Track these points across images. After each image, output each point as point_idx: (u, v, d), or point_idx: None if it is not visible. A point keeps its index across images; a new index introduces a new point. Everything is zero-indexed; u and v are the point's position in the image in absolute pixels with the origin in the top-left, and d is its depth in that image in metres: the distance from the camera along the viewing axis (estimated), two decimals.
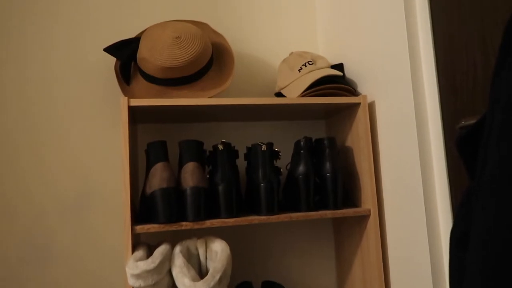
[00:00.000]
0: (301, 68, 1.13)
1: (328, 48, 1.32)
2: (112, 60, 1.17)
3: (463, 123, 0.77)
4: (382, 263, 1.02)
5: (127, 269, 0.86)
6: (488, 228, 0.40)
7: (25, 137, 1.14)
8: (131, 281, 0.86)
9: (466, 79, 0.80)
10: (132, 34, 1.19)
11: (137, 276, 0.85)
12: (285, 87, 1.15)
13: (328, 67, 1.15)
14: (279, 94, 1.19)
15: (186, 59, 1.02)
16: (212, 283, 0.84)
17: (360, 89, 1.13)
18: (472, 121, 0.74)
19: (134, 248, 0.92)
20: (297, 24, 1.37)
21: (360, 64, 1.12)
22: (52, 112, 1.16)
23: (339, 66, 1.19)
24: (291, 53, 1.21)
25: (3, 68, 1.15)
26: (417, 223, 0.90)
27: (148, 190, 0.95)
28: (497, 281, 0.37)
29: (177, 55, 1.02)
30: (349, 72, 1.19)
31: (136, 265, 0.85)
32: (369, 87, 1.09)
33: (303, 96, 1.07)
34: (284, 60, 1.21)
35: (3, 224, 1.10)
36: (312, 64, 1.12)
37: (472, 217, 0.54)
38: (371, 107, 1.08)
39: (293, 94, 1.09)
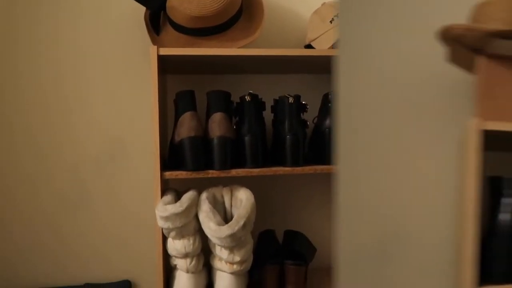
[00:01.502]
0: (333, 20, 1.09)
1: None
2: (140, 10, 1.17)
3: None
4: None
5: (156, 212, 0.91)
6: None
7: (56, 92, 1.17)
8: (160, 223, 0.91)
9: None
10: None
11: (166, 218, 0.89)
12: (315, 39, 1.12)
13: None
14: (309, 46, 1.16)
15: (215, 8, 1.00)
16: (236, 228, 0.88)
17: None
18: None
19: (163, 193, 0.97)
20: None
21: None
22: (81, 65, 1.18)
23: None
24: (323, 4, 1.17)
25: (34, 24, 1.16)
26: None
27: (177, 138, 0.98)
28: None
29: (206, 4, 1.00)
30: None
31: (165, 208, 0.90)
32: None
33: (333, 48, 1.04)
34: (316, 11, 1.17)
35: (41, 176, 1.17)
36: None
37: None
38: None
39: (324, 46, 1.07)
